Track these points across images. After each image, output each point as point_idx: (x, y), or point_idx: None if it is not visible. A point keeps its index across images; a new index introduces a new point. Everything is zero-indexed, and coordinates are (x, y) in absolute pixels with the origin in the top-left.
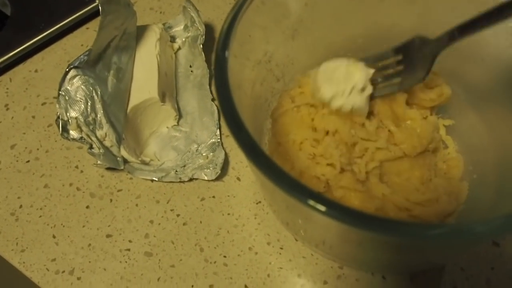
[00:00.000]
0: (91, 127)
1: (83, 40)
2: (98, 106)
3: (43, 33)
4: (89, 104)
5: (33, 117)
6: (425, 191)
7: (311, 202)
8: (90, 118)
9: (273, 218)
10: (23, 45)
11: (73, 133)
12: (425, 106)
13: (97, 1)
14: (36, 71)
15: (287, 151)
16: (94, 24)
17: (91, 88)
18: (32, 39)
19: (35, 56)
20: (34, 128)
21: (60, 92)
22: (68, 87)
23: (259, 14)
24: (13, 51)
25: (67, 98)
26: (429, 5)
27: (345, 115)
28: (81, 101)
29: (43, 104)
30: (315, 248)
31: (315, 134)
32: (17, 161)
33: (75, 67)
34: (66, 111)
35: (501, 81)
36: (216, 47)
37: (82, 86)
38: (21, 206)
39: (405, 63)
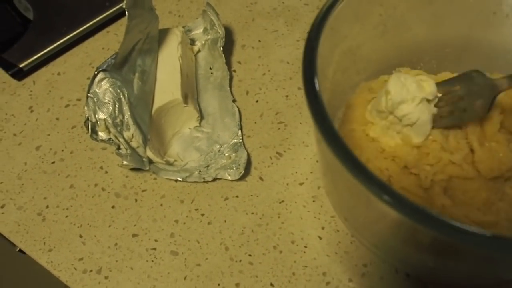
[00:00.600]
0: (118, 128)
1: (104, 43)
2: (125, 108)
3: (65, 36)
4: (116, 106)
5: (57, 119)
6: (487, 212)
7: (386, 198)
8: (118, 120)
9: (296, 217)
10: (46, 48)
11: (102, 135)
12: None
13: (124, 6)
14: (59, 74)
15: (358, 139)
16: (115, 27)
17: (118, 91)
18: (55, 42)
19: (58, 59)
20: (59, 130)
21: (88, 94)
22: (96, 90)
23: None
24: (36, 54)
25: (95, 100)
26: None
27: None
28: (109, 103)
29: (67, 106)
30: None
31: None
32: (42, 162)
33: (103, 70)
34: (95, 113)
35: None
36: (309, 30)
37: (110, 89)
38: (47, 207)
39: (465, 96)
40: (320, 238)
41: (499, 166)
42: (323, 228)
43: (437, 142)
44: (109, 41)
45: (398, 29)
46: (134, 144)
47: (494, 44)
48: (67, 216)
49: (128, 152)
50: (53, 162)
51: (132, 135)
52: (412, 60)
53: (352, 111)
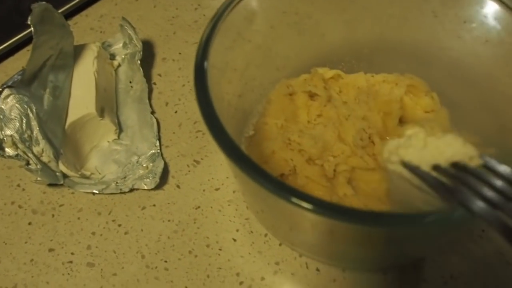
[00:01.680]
0: (27, 143)
1: (24, 62)
2: (34, 123)
3: None
4: (24, 121)
5: None
6: (386, 203)
7: (295, 200)
8: (26, 135)
9: (212, 221)
10: None
11: (9, 151)
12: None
13: (29, 22)
14: None
15: (268, 131)
16: None
17: (25, 106)
18: None
19: None
20: None
21: None
22: (2, 106)
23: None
24: None
25: (1, 117)
26: None
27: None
28: (16, 119)
29: None
30: (289, 244)
31: (300, 125)
32: None
33: (9, 87)
34: (1, 129)
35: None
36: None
37: (17, 105)
38: None
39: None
40: (235, 240)
41: None
42: (237, 230)
43: (336, 132)
44: None
45: (314, 33)
46: (44, 159)
47: (403, 44)
48: None
49: (38, 167)
50: None
51: (42, 150)
52: (333, 60)
53: (269, 105)
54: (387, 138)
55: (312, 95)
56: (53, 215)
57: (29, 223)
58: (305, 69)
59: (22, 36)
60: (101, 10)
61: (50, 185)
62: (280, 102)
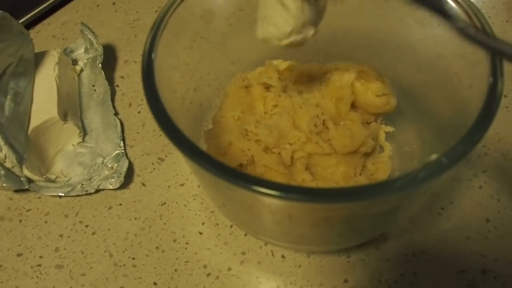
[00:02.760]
0: None
1: None
2: None
3: None
4: None
5: None
6: (343, 185)
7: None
8: None
9: (178, 216)
10: None
11: None
12: (370, 112)
13: None
14: None
15: (226, 124)
16: None
17: None
18: None
19: None
20: None
21: None
22: None
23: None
24: None
25: None
26: None
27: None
28: None
29: None
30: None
31: (257, 116)
32: None
33: None
34: None
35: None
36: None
37: None
38: None
39: None
40: (201, 233)
41: (351, 143)
42: (203, 223)
43: (291, 120)
44: None
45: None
46: (8, 164)
47: (353, 32)
48: None
49: (2, 173)
50: None
51: (5, 155)
52: (287, 52)
53: (226, 99)
54: (341, 123)
55: (267, 87)
56: (20, 220)
57: None
58: (260, 62)
59: None
60: (63, 17)
61: (16, 191)
62: (236, 94)
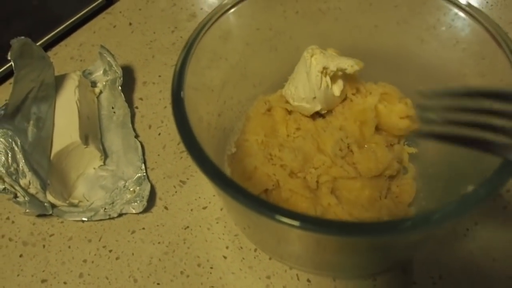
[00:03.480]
0: (13, 177)
1: (6, 95)
2: (19, 156)
3: None
4: (9, 155)
5: None
6: (369, 209)
7: (278, 217)
8: (12, 169)
9: (201, 240)
10: None
11: None
12: (394, 134)
13: (9, 57)
14: None
15: (249, 148)
16: None
17: (10, 140)
18: None
19: None
20: None
21: None
22: None
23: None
24: None
25: None
26: None
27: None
28: (1, 154)
29: None
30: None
31: (280, 139)
32: None
33: None
34: None
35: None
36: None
37: (1, 139)
38: None
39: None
40: (225, 257)
41: (376, 166)
42: (227, 247)
43: (315, 144)
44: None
45: (289, 47)
46: (32, 190)
47: (375, 52)
48: None
49: (26, 199)
50: None
51: (29, 182)
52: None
53: (249, 122)
54: (365, 146)
55: (289, 110)
56: (43, 246)
57: (20, 255)
58: (281, 84)
59: (3, 70)
60: (80, 38)
61: (39, 215)
62: (259, 118)
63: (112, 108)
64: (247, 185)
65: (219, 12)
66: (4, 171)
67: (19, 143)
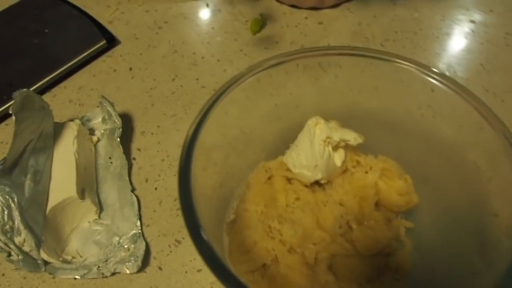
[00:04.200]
0: (8, 235)
1: (2, 137)
2: (15, 213)
3: None
4: (5, 213)
5: None
6: (367, 287)
7: None
8: (8, 227)
9: None
10: None
11: None
12: (392, 210)
13: (10, 111)
14: None
15: (249, 218)
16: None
17: (7, 197)
18: None
19: None
20: None
21: None
22: None
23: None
24: None
25: None
26: None
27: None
28: None
29: None
30: None
31: (279, 209)
32: None
33: None
34: None
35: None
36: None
37: None
38: None
39: None
40: None
41: (375, 245)
42: None
43: (315, 218)
44: (8, 135)
45: (290, 109)
46: (26, 248)
47: (375, 116)
48: None
49: (20, 257)
50: None
51: (24, 239)
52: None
53: (249, 190)
54: (365, 223)
55: (289, 179)
56: None
57: None
58: (282, 150)
59: (0, 111)
60: (80, 81)
61: (29, 270)
62: (259, 186)
63: (110, 158)
64: (246, 258)
65: (228, 87)
66: (0, 230)
67: (15, 199)
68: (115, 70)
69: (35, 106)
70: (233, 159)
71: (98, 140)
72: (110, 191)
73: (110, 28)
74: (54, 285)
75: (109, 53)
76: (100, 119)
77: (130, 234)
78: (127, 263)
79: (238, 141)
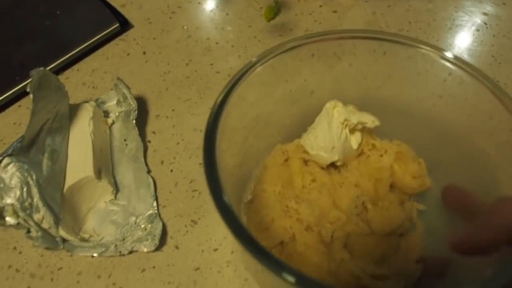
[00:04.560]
0: (27, 211)
1: (15, 118)
2: (34, 190)
3: None
4: (24, 189)
5: None
6: (381, 266)
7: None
8: (27, 203)
9: (211, 283)
10: None
11: (10, 220)
12: (406, 192)
13: (28, 90)
14: None
15: (267, 199)
16: (26, 101)
17: (26, 174)
18: None
19: None
20: None
21: None
22: (2, 175)
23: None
24: None
25: (1, 185)
26: None
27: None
28: (16, 188)
29: None
30: None
31: (296, 190)
32: None
33: (9, 155)
34: (1, 198)
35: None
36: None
37: (17, 173)
38: None
39: None
40: None
41: (389, 224)
42: None
43: (331, 199)
44: (21, 116)
45: (305, 95)
46: (45, 225)
47: (388, 104)
48: None
49: (39, 234)
50: None
51: (43, 216)
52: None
53: (266, 171)
54: (380, 204)
55: (306, 161)
56: (52, 279)
57: None
58: (298, 133)
59: (13, 92)
60: (93, 64)
61: (47, 247)
62: (276, 168)
63: (125, 140)
64: (264, 236)
65: (247, 70)
66: (19, 206)
67: (34, 177)
68: (128, 54)
69: (51, 86)
70: (252, 141)
71: (113, 122)
72: (126, 173)
73: (122, 11)
74: (71, 262)
75: (122, 36)
76: (114, 102)
77: (147, 215)
78: (144, 242)
79: (255, 124)
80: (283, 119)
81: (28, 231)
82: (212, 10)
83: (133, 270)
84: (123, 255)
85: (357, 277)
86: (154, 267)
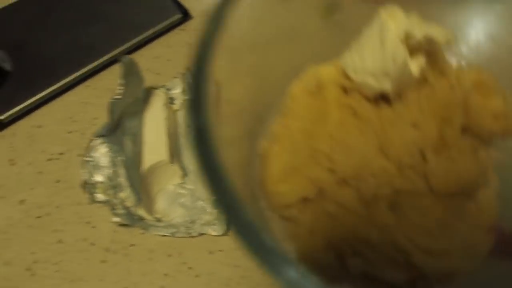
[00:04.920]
0: (115, 190)
1: (83, 97)
2: (121, 171)
3: (44, 89)
4: (113, 169)
5: (40, 172)
6: (439, 238)
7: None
8: (114, 182)
9: None
10: (26, 101)
11: (100, 196)
12: (482, 137)
13: (120, 80)
14: (39, 126)
15: (290, 137)
16: (93, 82)
17: (115, 154)
18: (34, 95)
19: (37, 111)
20: (42, 184)
21: (86, 158)
22: (94, 154)
23: None
24: (15, 107)
25: (93, 164)
26: None
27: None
28: (106, 167)
29: (49, 160)
30: None
31: (330, 128)
32: (28, 216)
33: (101, 136)
34: (92, 175)
35: None
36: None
37: (109, 153)
38: (36, 262)
39: None
40: None
41: (456, 181)
42: None
43: (377, 143)
44: (89, 96)
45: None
46: (128, 203)
47: None
48: (57, 271)
49: (123, 212)
50: (39, 217)
51: (127, 195)
52: None
53: (291, 102)
54: (445, 152)
55: (346, 89)
56: (125, 255)
57: (102, 261)
58: (338, 50)
59: (82, 72)
60: (155, 51)
61: (120, 225)
62: (305, 97)
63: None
64: (281, 190)
65: None
66: (108, 184)
67: (119, 158)
68: (189, 44)
69: (132, 71)
70: (272, 60)
71: (178, 109)
72: (192, 158)
73: (183, 2)
74: (143, 240)
75: (182, 26)
76: (179, 90)
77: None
78: (212, 226)
79: (277, 38)
80: (316, 30)
81: (113, 208)
82: None
83: (202, 252)
84: (192, 237)
85: (404, 251)
86: (221, 250)
